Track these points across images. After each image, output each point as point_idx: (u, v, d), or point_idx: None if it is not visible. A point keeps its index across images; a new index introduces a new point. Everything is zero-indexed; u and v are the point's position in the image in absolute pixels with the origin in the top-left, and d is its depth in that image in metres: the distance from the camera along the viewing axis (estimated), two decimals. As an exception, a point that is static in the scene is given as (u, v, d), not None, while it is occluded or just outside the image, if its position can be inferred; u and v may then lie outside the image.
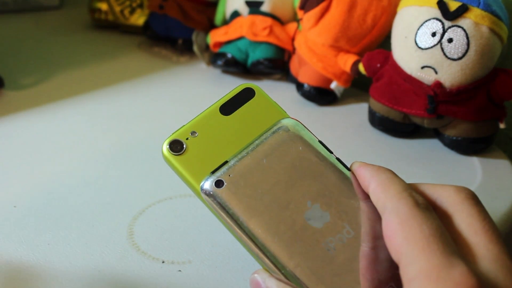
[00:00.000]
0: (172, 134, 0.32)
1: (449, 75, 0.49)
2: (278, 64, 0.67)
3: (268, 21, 0.67)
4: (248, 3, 0.68)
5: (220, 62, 0.67)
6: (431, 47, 0.49)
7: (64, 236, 0.39)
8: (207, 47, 0.74)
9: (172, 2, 0.74)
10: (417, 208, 0.26)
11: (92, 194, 0.44)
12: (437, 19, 0.49)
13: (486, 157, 0.52)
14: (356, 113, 0.61)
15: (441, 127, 0.53)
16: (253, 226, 0.29)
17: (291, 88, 0.66)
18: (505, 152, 0.54)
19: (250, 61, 0.67)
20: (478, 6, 0.48)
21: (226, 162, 0.31)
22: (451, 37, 0.48)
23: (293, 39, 0.65)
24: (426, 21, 0.50)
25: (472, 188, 0.30)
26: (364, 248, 0.29)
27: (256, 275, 0.30)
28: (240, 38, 0.67)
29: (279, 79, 0.69)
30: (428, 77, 0.50)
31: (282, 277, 0.29)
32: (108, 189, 0.45)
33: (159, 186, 0.45)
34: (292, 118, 0.33)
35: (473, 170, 0.50)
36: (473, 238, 0.26)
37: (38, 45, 0.77)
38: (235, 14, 0.69)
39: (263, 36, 0.66)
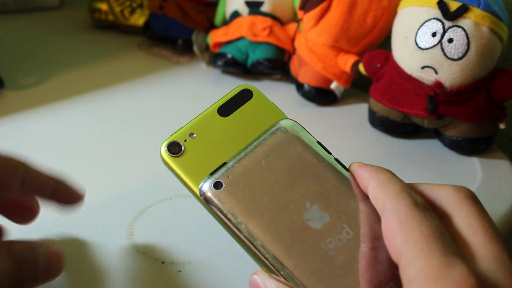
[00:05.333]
0: (170, 136, 0.32)
1: (449, 75, 0.49)
2: (278, 65, 0.67)
3: (268, 21, 0.67)
4: (248, 4, 0.68)
5: (220, 63, 0.67)
6: (431, 47, 0.49)
7: (64, 236, 0.39)
8: (207, 47, 0.74)
9: (172, 2, 0.74)
10: (416, 208, 0.26)
11: (92, 194, 0.44)
12: (437, 19, 0.49)
13: (486, 157, 0.52)
14: (356, 113, 0.61)
15: (441, 127, 0.53)
16: (252, 227, 0.29)
17: (291, 89, 0.66)
18: (505, 152, 0.54)
19: (250, 61, 0.67)
20: (478, 6, 0.48)
21: (224, 163, 0.31)
22: (451, 37, 0.48)
23: (293, 40, 0.65)
24: (426, 21, 0.50)
25: (472, 188, 0.30)
26: (363, 248, 0.29)
27: (255, 276, 0.30)
28: (240, 38, 0.67)
29: (279, 80, 0.69)
30: (428, 77, 0.50)
31: (282, 278, 0.29)
32: (108, 189, 0.45)
33: (159, 186, 0.45)
34: (290, 119, 0.33)
35: (473, 170, 0.50)
36: (472, 238, 0.26)
37: (38, 45, 0.77)
38: (235, 15, 0.69)
39: (263, 37, 0.66)
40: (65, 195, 0.34)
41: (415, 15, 0.51)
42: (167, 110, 0.60)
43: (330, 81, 0.61)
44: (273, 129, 0.32)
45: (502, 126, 0.52)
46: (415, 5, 0.51)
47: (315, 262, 0.29)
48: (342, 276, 0.28)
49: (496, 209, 0.44)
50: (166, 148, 0.32)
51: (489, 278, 0.24)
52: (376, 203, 0.28)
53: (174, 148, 0.32)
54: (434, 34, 0.49)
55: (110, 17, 0.82)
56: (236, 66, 0.67)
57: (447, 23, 0.49)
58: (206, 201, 0.30)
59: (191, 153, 0.32)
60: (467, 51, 0.48)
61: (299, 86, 0.63)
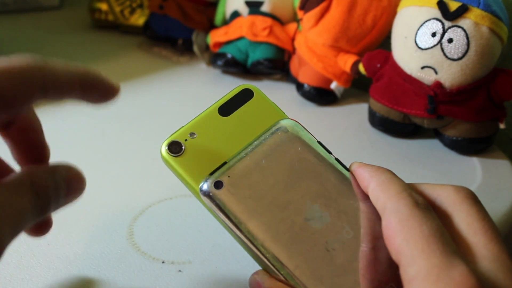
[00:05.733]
0: (171, 135, 0.32)
1: (449, 75, 0.49)
2: (278, 64, 0.67)
3: (268, 21, 0.67)
4: (248, 3, 0.68)
5: (220, 62, 0.67)
6: (431, 47, 0.49)
7: (64, 236, 0.39)
8: (207, 47, 0.74)
9: (172, 2, 0.74)
10: (417, 208, 0.26)
11: (92, 194, 0.44)
12: (437, 19, 0.49)
13: (486, 157, 0.52)
14: (356, 113, 0.61)
15: (441, 127, 0.53)
16: (253, 227, 0.29)
17: (291, 88, 0.66)
18: (505, 152, 0.54)
19: (250, 61, 0.67)
20: (478, 6, 0.48)
21: (225, 163, 0.31)
22: (451, 37, 0.48)
23: (293, 39, 0.65)
24: (426, 21, 0.50)
25: (472, 188, 0.30)
26: (364, 248, 0.29)
27: (255, 276, 0.30)
28: (240, 38, 0.67)
29: (279, 79, 0.69)
30: (428, 77, 0.50)
31: (282, 278, 0.29)
32: (108, 189, 0.45)
33: (159, 186, 0.45)
34: (291, 119, 0.33)
35: (473, 170, 0.50)
36: (472, 238, 0.26)
37: (38, 45, 0.77)
38: (235, 14, 0.69)
39: (263, 36, 0.66)
40: (96, 91, 0.30)
41: (415, 15, 0.51)
42: (167, 110, 0.60)
43: (330, 81, 0.61)
44: (273, 128, 0.32)
45: (502, 126, 0.52)
46: (415, 5, 0.51)
47: (315, 261, 0.29)
48: (342, 276, 0.28)
49: (496, 209, 0.44)
50: (166, 148, 0.32)
51: (490, 278, 0.24)
52: (377, 203, 0.28)
53: (175, 148, 0.32)
54: (434, 34, 0.49)
55: (110, 17, 0.82)
56: (236, 66, 0.67)
57: (447, 23, 0.49)
58: (207, 201, 0.30)
59: (192, 152, 0.32)
60: (467, 51, 0.48)
61: (299, 86, 0.63)
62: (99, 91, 0.29)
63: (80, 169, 0.30)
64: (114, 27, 0.83)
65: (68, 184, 0.29)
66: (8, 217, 0.24)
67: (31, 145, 0.31)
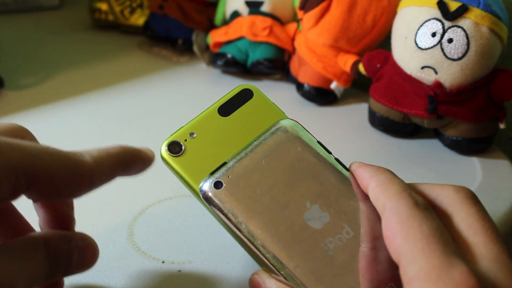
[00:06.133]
0: (171, 135, 0.33)
1: (449, 75, 0.49)
2: (278, 64, 0.67)
3: (268, 21, 0.67)
4: (248, 3, 0.68)
5: (220, 62, 0.67)
6: (431, 47, 0.49)
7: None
8: (207, 47, 0.74)
9: (172, 2, 0.74)
10: (417, 208, 0.26)
11: (92, 194, 0.44)
12: (437, 19, 0.49)
13: (486, 157, 0.52)
14: (356, 113, 0.61)
15: (441, 127, 0.53)
16: (252, 227, 0.29)
17: (291, 88, 0.66)
18: (505, 152, 0.54)
19: (250, 61, 0.67)
20: (478, 6, 0.48)
21: (225, 163, 0.31)
22: (451, 37, 0.48)
23: (293, 39, 0.65)
24: (426, 21, 0.50)
25: (472, 188, 0.30)
26: (364, 248, 0.29)
27: (255, 275, 0.30)
28: (240, 38, 0.67)
29: (279, 79, 0.69)
30: (428, 77, 0.50)
31: (282, 278, 0.29)
32: (108, 189, 0.45)
33: (159, 186, 0.45)
34: (291, 119, 0.33)
35: (473, 170, 0.50)
36: (472, 238, 0.26)
37: (38, 45, 0.77)
38: (235, 14, 0.69)
39: (263, 36, 0.66)
40: (135, 168, 0.31)
41: (415, 15, 0.51)
42: (167, 110, 0.60)
43: (330, 81, 0.61)
44: (273, 128, 0.32)
45: (502, 126, 0.52)
46: (414, 5, 0.51)
47: (315, 261, 0.29)
48: (342, 276, 0.28)
49: (496, 209, 0.44)
50: (166, 148, 0.32)
51: (489, 278, 0.24)
52: (376, 203, 0.28)
53: (175, 148, 0.32)
54: (434, 34, 0.49)
55: (110, 17, 0.82)
56: (236, 66, 0.67)
57: (447, 23, 0.49)
58: (207, 201, 0.30)
59: (192, 152, 0.32)
60: (467, 51, 0.48)
61: (299, 86, 0.63)
62: (137, 166, 0.31)
63: (95, 241, 0.30)
64: (114, 27, 0.83)
65: (81, 253, 0.29)
66: (20, 270, 0.25)
67: (60, 217, 0.32)
